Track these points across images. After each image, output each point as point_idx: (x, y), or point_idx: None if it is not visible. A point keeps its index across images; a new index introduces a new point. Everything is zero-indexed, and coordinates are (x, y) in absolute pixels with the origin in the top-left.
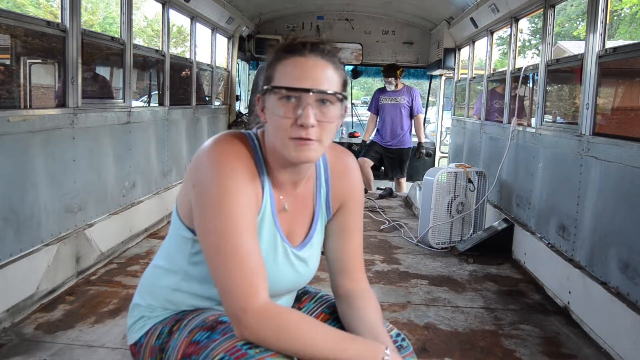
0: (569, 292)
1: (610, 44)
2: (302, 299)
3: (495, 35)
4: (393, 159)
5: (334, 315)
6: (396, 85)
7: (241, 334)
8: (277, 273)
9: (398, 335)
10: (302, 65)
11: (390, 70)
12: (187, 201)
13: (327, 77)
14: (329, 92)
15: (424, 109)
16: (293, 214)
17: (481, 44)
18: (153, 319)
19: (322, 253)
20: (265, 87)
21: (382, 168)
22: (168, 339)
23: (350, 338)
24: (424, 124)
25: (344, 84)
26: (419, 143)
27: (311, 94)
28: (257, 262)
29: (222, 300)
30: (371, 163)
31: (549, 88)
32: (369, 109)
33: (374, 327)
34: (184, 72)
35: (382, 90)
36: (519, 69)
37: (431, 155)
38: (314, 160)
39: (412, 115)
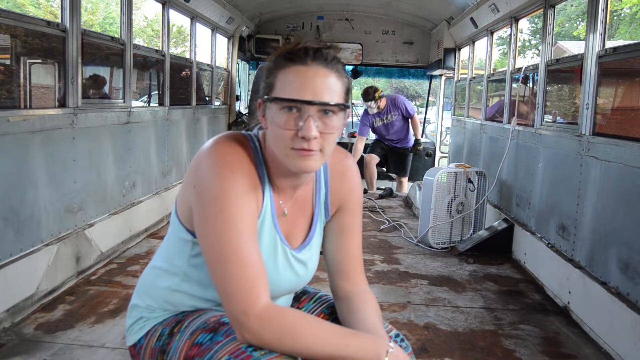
0: (569, 292)
1: (610, 44)
2: (301, 299)
3: (495, 35)
4: (398, 157)
5: (333, 315)
6: (379, 107)
7: (243, 338)
8: (277, 276)
9: (397, 335)
10: (303, 74)
11: (368, 95)
12: (187, 202)
13: (330, 86)
14: (332, 103)
15: (424, 109)
16: (292, 217)
17: (481, 44)
18: (152, 320)
19: (321, 253)
20: (266, 97)
21: (384, 169)
22: (169, 340)
23: (353, 333)
24: (424, 124)
25: (347, 92)
26: (416, 139)
27: (313, 105)
28: (258, 264)
29: (223, 304)
30: (377, 159)
31: (549, 88)
32: (359, 133)
33: (373, 328)
34: (184, 72)
35: (368, 112)
36: (519, 69)
37: (431, 155)
38: (314, 170)
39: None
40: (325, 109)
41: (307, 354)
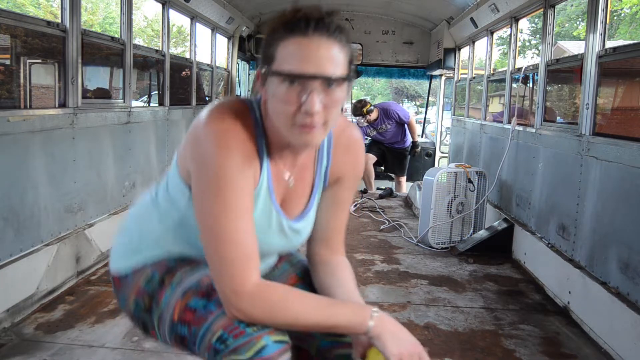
0: (569, 292)
1: (610, 44)
2: (280, 257)
3: (495, 35)
4: (396, 156)
5: (306, 279)
6: (369, 120)
7: (233, 315)
8: (267, 240)
9: None
10: (305, 47)
11: (356, 110)
12: (186, 167)
13: (333, 58)
14: (336, 76)
15: (424, 109)
16: (293, 185)
17: (481, 44)
18: (141, 255)
19: None
20: (265, 70)
21: (382, 168)
22: (160, 289)
23: (339, 303)
24: (423, 124)
25: (350, 62)
26: (413, 142)
27: (317, 79)
28: (252, 245)
29: (214, 280)
30: (375, 159)
31: (549, 88)
32: None
33: (349, 292)
34: (184, 72)
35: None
36: (519, 69)
37: (431, 155)
38: (318, 143)
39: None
40: (329, 81)
41: (299, 325)
